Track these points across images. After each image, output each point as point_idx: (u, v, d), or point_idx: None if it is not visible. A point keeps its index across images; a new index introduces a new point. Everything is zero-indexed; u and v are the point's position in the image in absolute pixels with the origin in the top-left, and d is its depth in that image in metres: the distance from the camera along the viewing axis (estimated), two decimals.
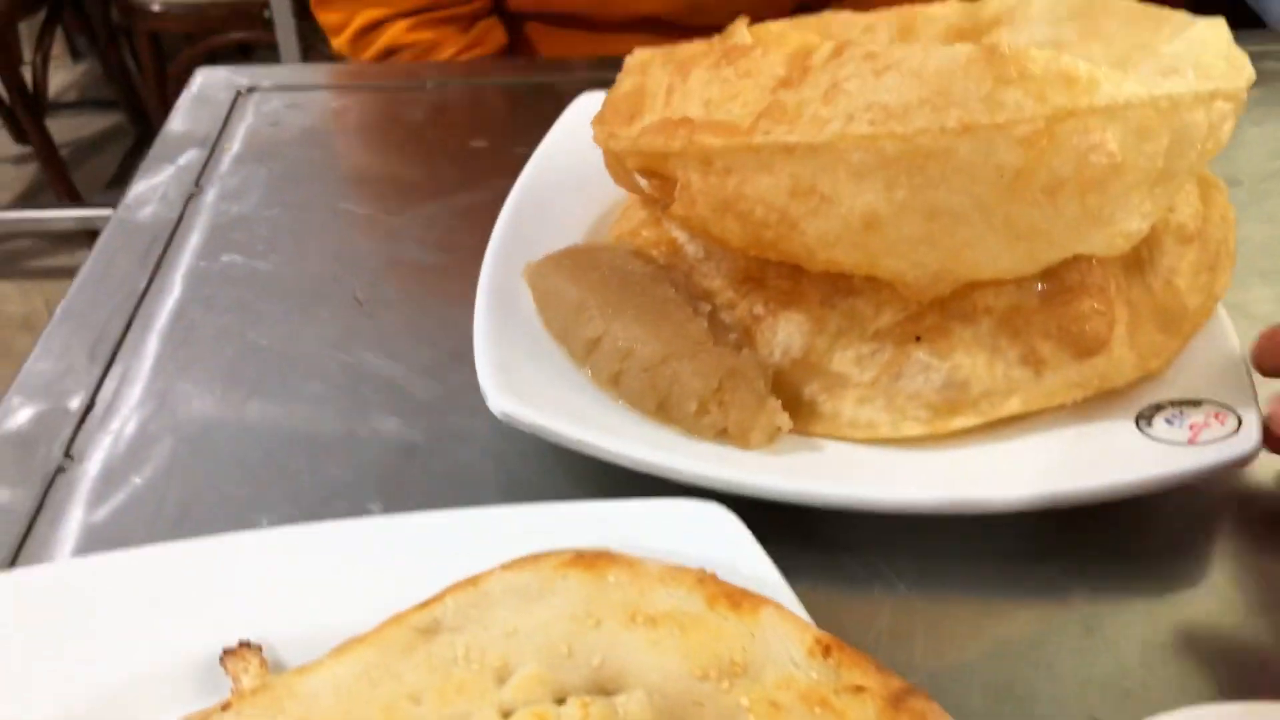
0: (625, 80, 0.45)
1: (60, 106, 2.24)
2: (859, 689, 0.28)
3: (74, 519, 0.40)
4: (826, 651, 0.29)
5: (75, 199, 1.91)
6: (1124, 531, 0.39)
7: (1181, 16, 0.44)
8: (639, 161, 0.44)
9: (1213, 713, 0.26)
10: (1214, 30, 0.42)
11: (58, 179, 1.89)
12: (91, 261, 0.53)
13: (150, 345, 0.48)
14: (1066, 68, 0.36)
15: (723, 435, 0.39)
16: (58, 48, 2.19)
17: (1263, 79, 0.72)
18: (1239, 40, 0.81)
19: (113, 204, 0.57)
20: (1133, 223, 0.38)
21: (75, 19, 2.12)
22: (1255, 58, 0.77)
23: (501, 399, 0.39)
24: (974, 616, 0.36)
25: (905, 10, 0.53)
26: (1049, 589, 0.37)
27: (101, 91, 2.24)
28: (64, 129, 2.12)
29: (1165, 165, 0.38)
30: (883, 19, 0.53)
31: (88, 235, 1.86)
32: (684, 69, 0.43)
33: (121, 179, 2.02)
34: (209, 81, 0.68)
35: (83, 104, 2.29)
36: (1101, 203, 0.37)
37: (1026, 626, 0.36)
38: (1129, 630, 0.36)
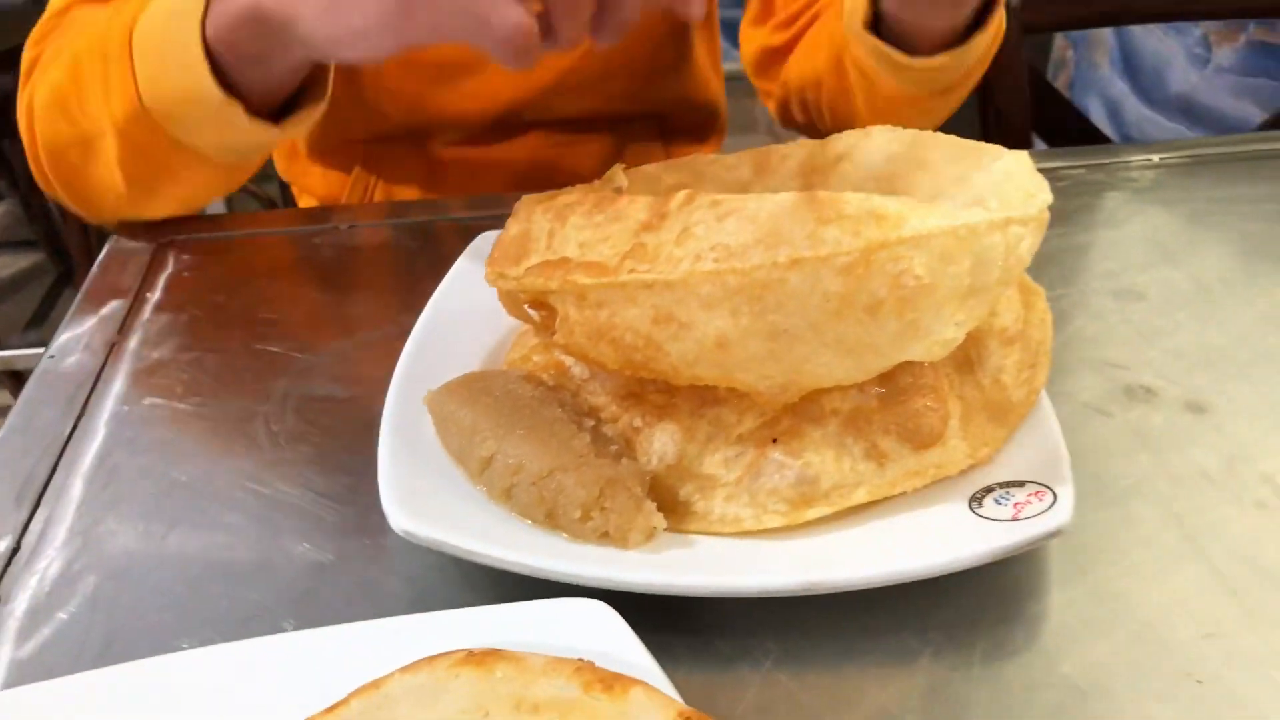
0: (512, 225, 0.51)
1: None
2: None
3: (1, 656, 0.42)
4: None
5: None
6: (962, 602, 0.44)
7: (994, 149, 0.51)
8: (526, 296, 0.49)
9: None
10: (1018, 163, 0.49)
11: None
12: (16, 411, 0.56)
13: (75, 488, 0.51)
14: (876, 207, 0.42)
15: (605, 538, 0.43)
16: None
17: (1095, 190, 0.82)
18: (1086, 155, 0.91)
19: (32, 344, 0.59)
20: (948, 332, 0.44)
21: None
22: (1089, 170, 0.87)
23: (402, 518, 0.43)
24: (831, 686, 0.40)
25: (762, 150, 0.60)
26: (898, 658, 0.42)
27: (21, 232, 2.24)
28: None
29: (972, 282, 0.44)
30: (743, 159, 0.60)
31: (7, 376, 1.84)
32: (562, 215, 0.49)
33: (42, 318, 2.02)
34: (130, 235, 0.73)
35: (2, 245, 2.30)
36: (917, 318, 0.43)
37: (879, 693, 0.40)
38: (968, 690, 0.40)
